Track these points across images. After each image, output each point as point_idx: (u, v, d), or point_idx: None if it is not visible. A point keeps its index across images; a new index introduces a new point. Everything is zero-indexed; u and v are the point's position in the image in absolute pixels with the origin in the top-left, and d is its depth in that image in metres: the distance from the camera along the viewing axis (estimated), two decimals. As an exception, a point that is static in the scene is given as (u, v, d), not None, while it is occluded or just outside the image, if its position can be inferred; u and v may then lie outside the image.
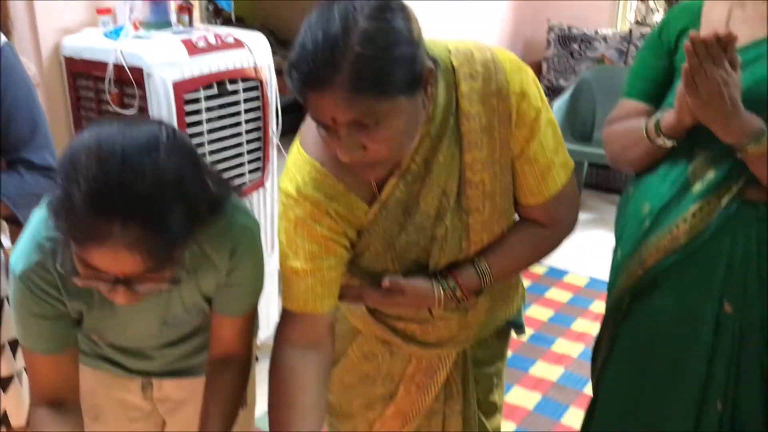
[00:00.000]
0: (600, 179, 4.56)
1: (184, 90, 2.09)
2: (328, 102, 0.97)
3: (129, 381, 1.40)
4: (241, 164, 2.38)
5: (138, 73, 2.03)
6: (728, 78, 1.20)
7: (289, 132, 1.14)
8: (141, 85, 2.03)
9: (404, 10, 1.00)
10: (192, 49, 2.11)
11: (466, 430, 1.45)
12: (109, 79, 2.07)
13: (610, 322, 1.57)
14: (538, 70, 4.69)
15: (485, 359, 1.46)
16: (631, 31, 4.47)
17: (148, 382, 1.41)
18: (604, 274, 1.60)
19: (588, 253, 3.66)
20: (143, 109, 2.06)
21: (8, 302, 1.31)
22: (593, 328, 3.01)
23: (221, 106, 2.24)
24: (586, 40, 4.54)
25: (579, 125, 4.18)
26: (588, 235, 3.83)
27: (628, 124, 1.46)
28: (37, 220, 1.11)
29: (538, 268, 3.61)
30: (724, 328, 1.38)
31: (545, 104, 1.18)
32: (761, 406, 1.39)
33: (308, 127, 1.16)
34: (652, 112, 1.44)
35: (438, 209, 1.18)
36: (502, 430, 1.58)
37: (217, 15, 4.03)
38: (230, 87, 2.24)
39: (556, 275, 3.59)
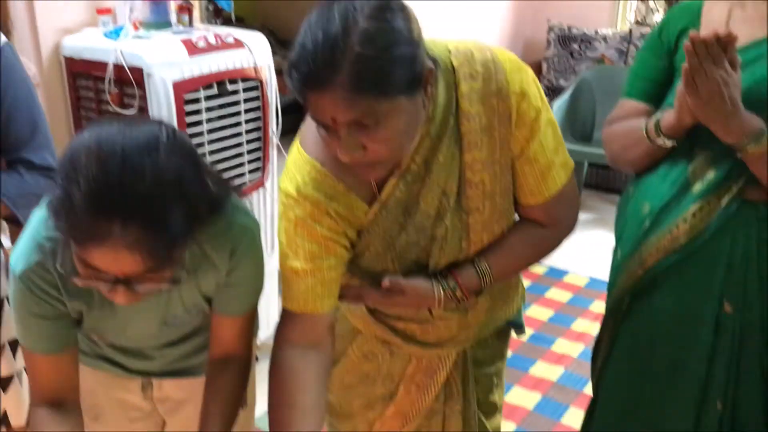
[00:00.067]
0: (600, 179, 4.56)
1: (184, 90, 2.09)
2: (328, 102, 0.97)
3: (129, 381, 1.40)
4: (241, 164, 2.38)
5: (138, 73, 2.03)
6: (728, 78, 1.20)
7: (289, 132, 1.14)
8: (141, 85, 2.03)
9: (404, 10, 1.00)
10: (192, 49, 2.11)
11: (466, 430, 1.45)
12: (109, 79, 2.07)
13: (610, 322, 1.56)
14: (538, 70, 4.69)
15: (485, 359, 1.46)
16: (631, 31, 4.47)
17: (148, 382, 1.41)
18: (604, 275, 1.60)
19: (588, 253, 3.66)
20: (143, 109, 2.06)
21: (8, 302, 1.30)
22: (593, 328, 3.01)
23: (221, 106, 2.24)
24: (586, 40, 4.54)
25: (579, 125, 4.18)
26: (588, 235, 3.83)
27: (628, 124, 1.46)
28: (37, 220, 1.11)
29: (538, 268, 3.61)
30: (724, 328, 1.38)
31: (545, 104, 1.18)
32: (761, 406, 1.39)
33: (308, 127, 1.16)
34: (652, 112, 1.44)
35: (438, 209, 1.18)
36: (502, 430, 1.58)
37: (217, 15, 4.03)
38: (230, 87, 2.24)
39: (556, 275, 3.59)
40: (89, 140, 0.93)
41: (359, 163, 1.05)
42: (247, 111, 2.33)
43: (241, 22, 4.90)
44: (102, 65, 2.08)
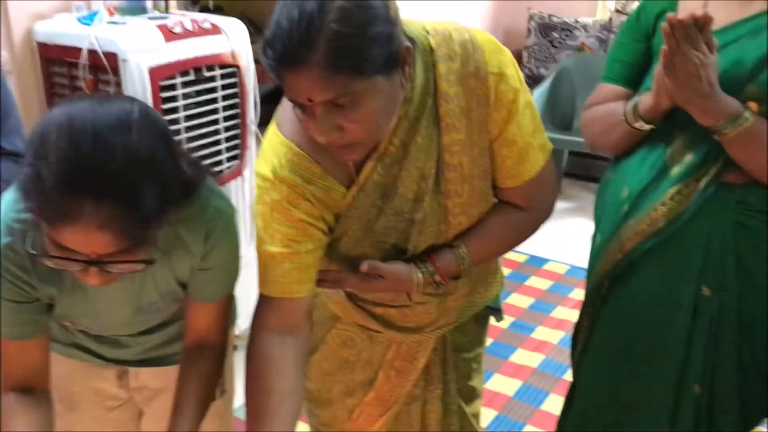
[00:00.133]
0: (580, 168, 4.58)
1: (160, 76, 2.06)
2: (304, 81, 0.95)
3: (105, 370, 1.38)
4: (219, 152, 2.35)
5: (113, 59, 1.99)
6: (705, 60, 1.20)
7: (268, 122, 1.12)
8: (116, 71, 2.00)
9: (381, -11, 0.98)
10: (168, 34, 2.08)
11: (446, 416, 1.45)
12: (84, 65, 2.03)
13: (590, 306, 1.57)
14: (518, 59, 4.68)
15: (465, 345, 1.45)
16: (611, 19, 4.49)
17: (124, 371, 1.39)
18: (584, 262, 1.60)
19: (568, 241, 3.68)
20: (119, 96, 2.03)
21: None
22: (573, 316, 3.01)
23: (198, 93, 2.21)
24: (567, 29, 4.55)
25: (559, 114, 4.19)
26: (568, 223, 3.85)
27: (606, 108, 1.46)
28: (6, 202, 1.08)
29: (519, 256, 3.62)
30: (702, 312, 1.38)
31: (524, 86, 1.17)
32: (737, 389, 1.40)
33: (285, 108, 1.15)
34: (631, 96, 1.44)
35: (416, 192, 1.17)
36: (482, 417, 1.58)
37: (194, 2, 3.98)
38: (207, 73, 2.21)
39: (536, 263, 3.60)
40: (60, 117, 0.91)
41: (336, 145, 1.04)
42: (224, 98, 2.30)
43: (219, 11, 4.84)
44: (76, 51, 2.04)
